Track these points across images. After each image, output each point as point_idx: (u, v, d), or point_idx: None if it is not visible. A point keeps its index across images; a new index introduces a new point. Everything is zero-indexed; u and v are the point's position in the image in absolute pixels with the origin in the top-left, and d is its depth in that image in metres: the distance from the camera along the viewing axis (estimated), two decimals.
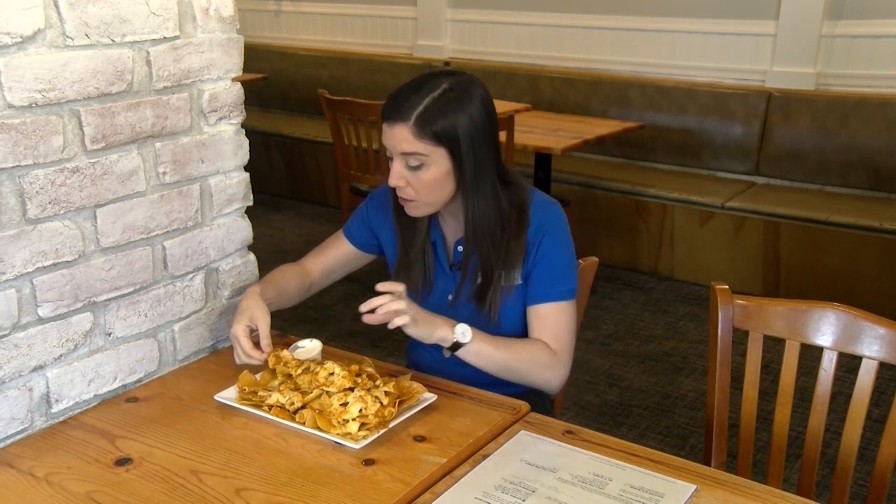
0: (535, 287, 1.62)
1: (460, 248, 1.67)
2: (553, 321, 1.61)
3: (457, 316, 1.65)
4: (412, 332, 1.50)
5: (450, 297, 1.68)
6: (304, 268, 1.77)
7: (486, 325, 1.61)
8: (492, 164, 1.57)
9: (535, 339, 1.62)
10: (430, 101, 1.50)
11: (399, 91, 1.54)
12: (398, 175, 1.54)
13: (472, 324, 1.62)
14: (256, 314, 1.54)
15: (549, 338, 1.61)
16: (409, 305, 1.49)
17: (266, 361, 1.52)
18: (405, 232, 1.68)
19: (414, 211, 1.60)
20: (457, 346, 1.54)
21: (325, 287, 1.82)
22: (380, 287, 1.49)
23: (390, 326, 1.47)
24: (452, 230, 1.69)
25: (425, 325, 1.51)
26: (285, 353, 1.53)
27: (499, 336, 1.59)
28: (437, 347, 1.70)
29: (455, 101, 1.51)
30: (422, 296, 1.69)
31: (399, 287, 1.50)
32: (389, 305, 1.46)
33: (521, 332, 1.66)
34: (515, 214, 1.60)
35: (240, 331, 1.52)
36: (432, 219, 1.68)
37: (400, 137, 1.51)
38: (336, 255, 1.79)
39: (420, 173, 1.53)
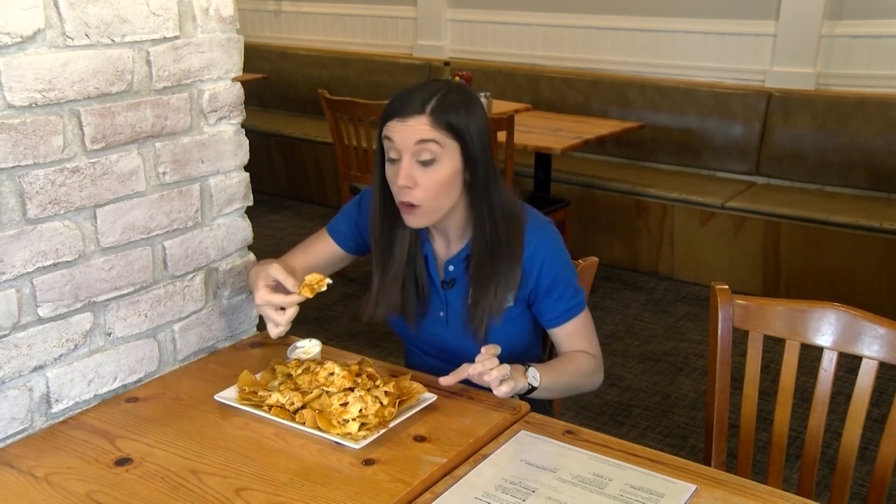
0: (552, 312, 1.63)
1: (451, 268, 1.64)
2: (582, 332, 1.66)
3: (449, 334, 1.65)
4: (509, 392, 1.43)
5: (441, 314, 1.66)
6: (287, 265, 1.66)
7: (472, 343, 1.56)
8: (495, 176, 1.57)
9: (576, 353, 1.65)
10: (440, 97, 1.50)
11: (404, 91, 1.53)
12: (406, 175, 1.50)
13: (461, 342, 1.61)
14: (267, 270, 1.53)
15: (585, 347, 1.66)
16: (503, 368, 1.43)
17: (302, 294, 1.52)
18: (385, 253, 1.62)
19: (416, 220, 1.54)
20: (531, 389, 1.51)
21: None
22: (484, 351, 1.42)
23: (498, 394, 1.41)
24: (444, 249, 1.65)
25: (514, 382, 1.45)
26: (310, 276, 1.52)
27: (547, 362, 1.62)
28: (434, 355, 1.70)
29: (461, 103, 1.51)
30: (416, 316, 1.66)
31: (496, 349, 1.44)
32: (493, 373, 1.40)
33: (506, 352, 1.52)
34: (513, 233, 1.58)
35: (264, 294, 1.51)
36: (422, 238, 1.64)
37: (415, 128, 1.48)
38: (321, 254, 1.73)
39: (431, 170, 1.50)
